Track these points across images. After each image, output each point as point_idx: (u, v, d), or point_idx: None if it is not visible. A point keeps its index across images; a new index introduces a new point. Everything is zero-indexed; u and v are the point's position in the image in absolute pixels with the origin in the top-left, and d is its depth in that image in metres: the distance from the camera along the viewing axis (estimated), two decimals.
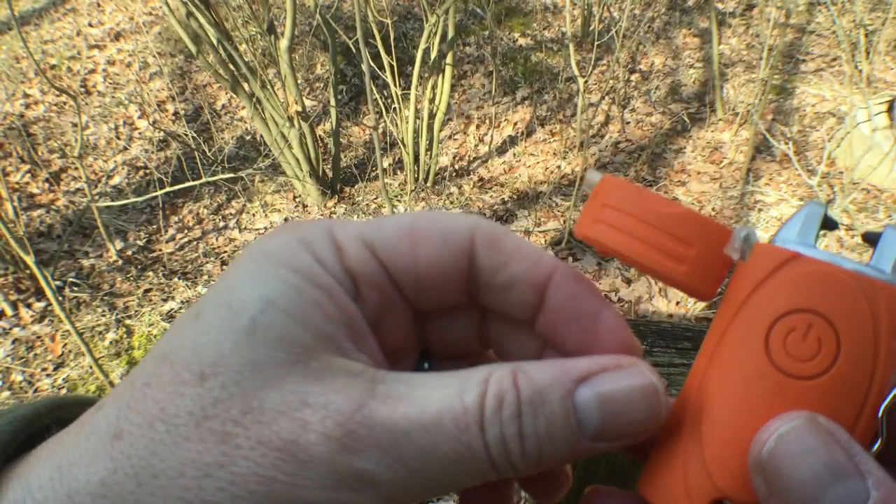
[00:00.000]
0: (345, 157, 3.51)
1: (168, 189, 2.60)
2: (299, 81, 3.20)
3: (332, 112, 3.03)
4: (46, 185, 3.26)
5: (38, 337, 2.59)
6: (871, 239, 0.22)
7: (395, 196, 3.25)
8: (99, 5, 4.48)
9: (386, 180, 3.29)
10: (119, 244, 2.98)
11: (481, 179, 3.31)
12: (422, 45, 2.76)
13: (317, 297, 0.22)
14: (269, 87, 2.80)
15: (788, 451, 0.19)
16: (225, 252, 3.00)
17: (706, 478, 0.22)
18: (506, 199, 3.17)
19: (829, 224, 0.23)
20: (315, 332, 0.21)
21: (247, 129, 3.65)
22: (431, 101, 3.01)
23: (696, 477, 0.22)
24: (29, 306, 2.68)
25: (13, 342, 2.55)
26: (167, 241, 3.03)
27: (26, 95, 3.75)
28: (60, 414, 0.25)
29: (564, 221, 2.88)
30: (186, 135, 3.47)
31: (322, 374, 0.21)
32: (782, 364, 0.21)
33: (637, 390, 0.21)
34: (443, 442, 0.20)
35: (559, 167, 3.29)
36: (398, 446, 0.20)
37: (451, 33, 2.82)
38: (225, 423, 0.20)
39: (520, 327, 0.26)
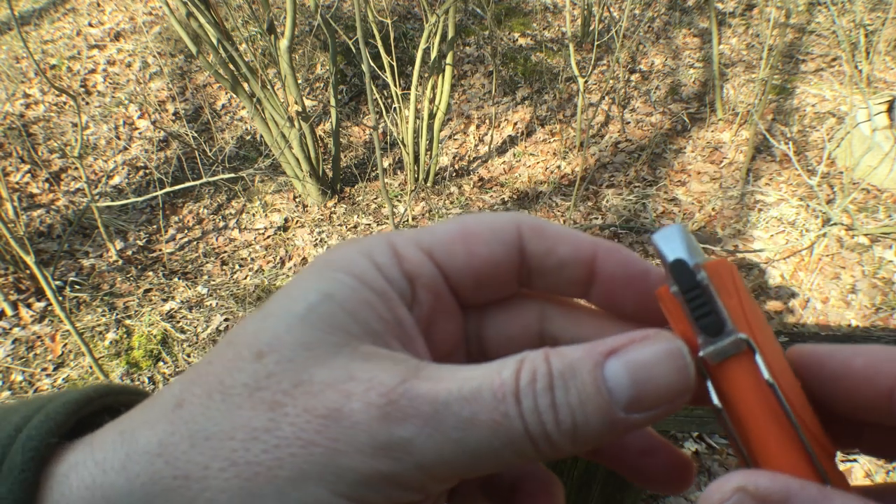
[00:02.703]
0: (345, 157, 3.52)
1: (168, 189, 2.60)
2: (299, 81, 3.20)
3: (332, 112, 3.03)
4: (46, 185, 3.26)
5: (39, 337, 2.59)
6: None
7: (395, 196, 3.25)
8: (99, 5, 4.48)
9: (386, 180, 3.30)
10: (119, 244, 2.98)
11: (481, 179, 3.31)
12: (422, 45, 2.76)
13: (369, 297, 0.24)
14: (269, 87, 2.80)
15: None
16: (225, 252, 3.01)
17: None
18: (506, 198, 3.17)
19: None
20: (364, 327, 0.23)
21: (247, 129, 3.65)
22: (431, 101, 3.01)
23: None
24: (29, 306, 2.68)
25: (13, 342, 2.55)
26: (167, 241, 3.03)
27: (26, 95, 3.75)
28: (109, 401, 0.26)
29: (564, 221, 2.88)
30: (187, 135, 3.47)
31: (369, 356, 0.23)
32: None
33: (663, 354, 0.22)
34: (481, 411, 0.21)
35: (559, 167, 3.30)
36: (438, 416, 0.21)
37: (451, 33, 2.83)
38: (275, 394, 0.21)
39: (576, 315, 0.28)
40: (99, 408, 0.25)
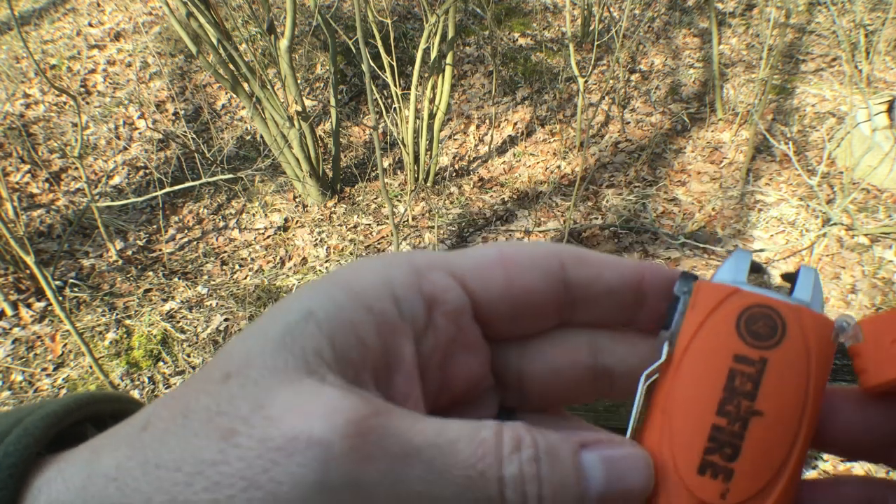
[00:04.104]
0: (345, 157, 3.52)
1: (168, 189, 2.60)
2: (299, 81, 3.20)
3: (332, 112, 3.03)
4: (46, 185, 3.26)
5: (39, 337, 2.59)
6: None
7: (395, 196, 3.25)
8: (99, 5, 4.48)
9: (386, 180, 3.30)
10: (119, 244, 2.98)
11: (481, 179, 3.31)
12: (422, 45, 2.76)
13: (357, 318, 0.22)
14: (269, 86, 2.80)
15: None
16: (225, 252, 3.01)
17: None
18: (506, 198, 3.18)
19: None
20: (339, 354, 0.21)
21: (247, 129, 3.65)
22: (431, 101, 3.01)
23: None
24: (29, 306, 2.68)
25: (13, 342, 2.55)
26: (167, 241, 3.03)
27: (26, 95, 3.75)
28: (92, 410, 0.25)
29: (564, 221, 2.88)
30: (186, 135, 3.47)
31: (341, 385, 0.21)
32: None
33: (635, 458, 0.23)
34: (455, 466, 0.20)
35: (559, 167, 3.30)
36: (407, 461, 0.19)
37: (451, 33, 2.83)
38: (233, 420, 0.19)
39: (630, 343, 0.27)
40: (82, 417, 0.24)
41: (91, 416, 0.25)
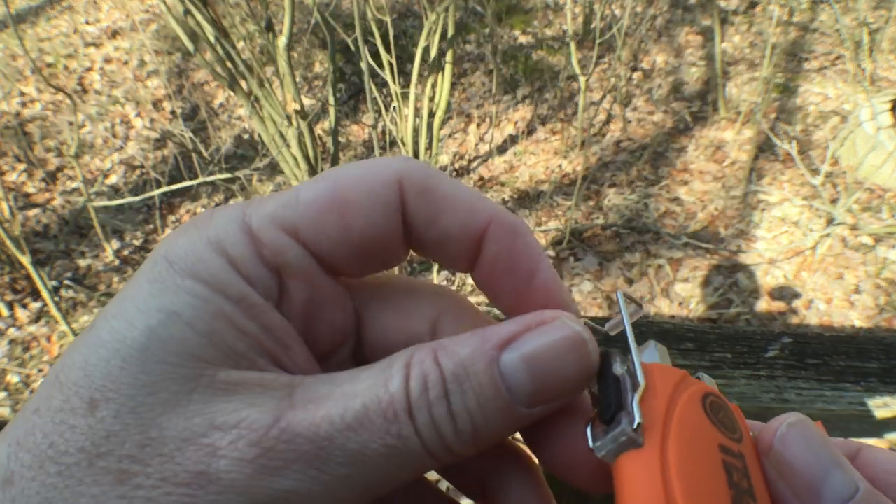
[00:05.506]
0: (344, 156, 3.49)
1: (165, 189, 2.57)
2: (298, 79, 3.18)
3: (331, 111, 3.00)
4: (42, 184, 3.23)
5: (35, 337, 2.57)
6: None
7: None
8: (95, 3, 4.45)
9: None
10: (116, 244, 2.96)
11: (482, 178, 3.29)
12: (421, 43, 2.74)
13: (227, 310, 0.20)
14: (267, 85, 2.77)
15: (797, 438, 0.21)
16: None
17: None
18: (506, 198, 3.15)
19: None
20: (222, 349, 0.19)
21: (244, 127, 3.62)
22: (431, 99, 2.99)
23: None
24: (25, 307, 2.66)
25: (9, 343, 2.54)
26: None
27: (22, 94, 3.73)
28: None
29: (566, 221, 2.86)
30: (183, 134, 3.45)
31: (232, 388, 0.19)
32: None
33: (563, 343, 0.20)
34: (371, 439, 0.18)
35: (560, 166, 3.27)
36: (323, 455, 0.18)
37: (451, 31, 2.80)
38: (121, 460, 0.17)
39: (472, 319, 0.25)
40: None
41: None
